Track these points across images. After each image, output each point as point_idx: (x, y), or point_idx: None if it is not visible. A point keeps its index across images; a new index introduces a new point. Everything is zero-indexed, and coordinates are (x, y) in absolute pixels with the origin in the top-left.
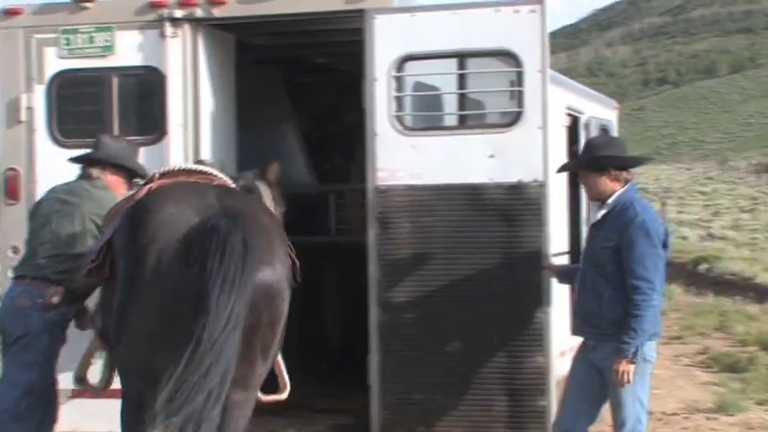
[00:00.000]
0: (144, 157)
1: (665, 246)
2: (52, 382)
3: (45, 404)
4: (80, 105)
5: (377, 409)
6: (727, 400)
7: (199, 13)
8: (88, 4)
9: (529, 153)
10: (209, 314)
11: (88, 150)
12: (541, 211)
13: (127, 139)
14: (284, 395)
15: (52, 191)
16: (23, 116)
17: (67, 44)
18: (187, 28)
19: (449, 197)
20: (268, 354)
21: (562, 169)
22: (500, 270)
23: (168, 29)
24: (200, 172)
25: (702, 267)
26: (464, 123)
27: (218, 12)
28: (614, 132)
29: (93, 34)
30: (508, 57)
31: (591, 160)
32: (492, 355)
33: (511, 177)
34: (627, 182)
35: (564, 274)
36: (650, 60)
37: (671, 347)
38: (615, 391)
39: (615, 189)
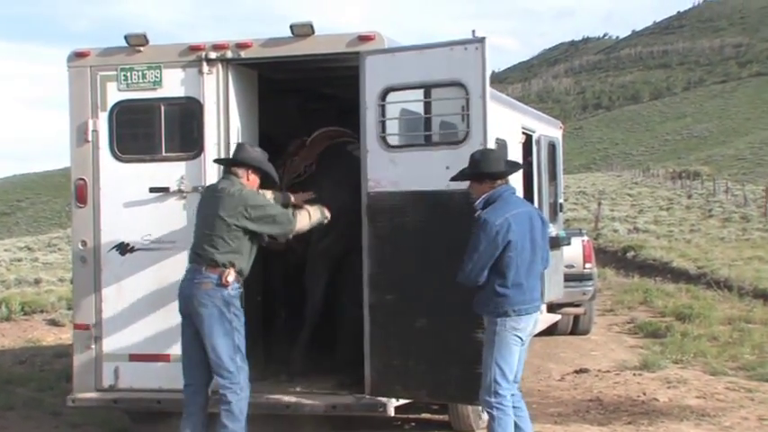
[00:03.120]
0: (185, 169)
1: (507, 239)
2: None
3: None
4: (135, 128)
5: (368, 371)
6: (650, 359)
7: (229, 54)
8: (141, 48)
9: None
10: None
11: (231, 155)
12: None
13: (259, 150)
14: None
15: (206, 189)
16: (90, 137)
17: (125, 79)
18: (220, 66)
19: (416, 201)
20: None
21: (454, 179)
22: (456, 260)
23: (205, 67)
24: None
25: (630, 254)
26: (428, 141)
27: (244, 53)
28: (560, 146)
29: (146, 71)
30: (459, 86)
31: (471, 173)
32: (449, 330)
33: (462, 185)
34: (500, 186)
35: None
36: (588, 89)
37: (605, 318)
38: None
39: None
